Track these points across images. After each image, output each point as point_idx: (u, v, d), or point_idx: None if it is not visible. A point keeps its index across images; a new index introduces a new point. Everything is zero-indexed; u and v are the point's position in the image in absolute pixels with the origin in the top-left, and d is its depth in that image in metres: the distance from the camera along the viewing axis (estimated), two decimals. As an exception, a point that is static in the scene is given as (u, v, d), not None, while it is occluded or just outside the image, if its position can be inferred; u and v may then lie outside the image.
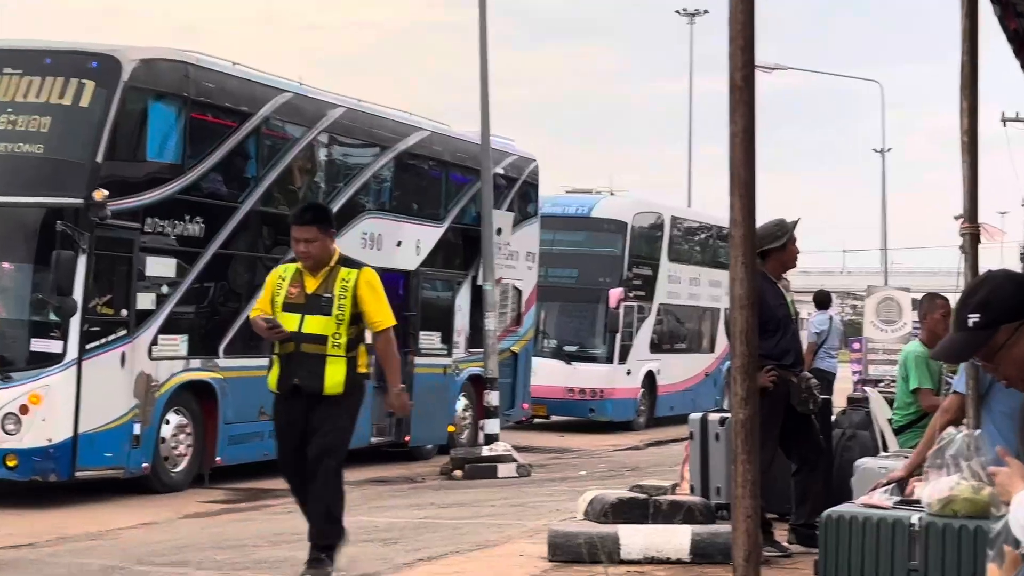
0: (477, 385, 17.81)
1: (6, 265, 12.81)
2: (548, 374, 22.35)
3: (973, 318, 3.31)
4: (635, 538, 8.29)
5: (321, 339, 7.49)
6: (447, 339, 17.97)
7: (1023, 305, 3.29)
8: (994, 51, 8.06)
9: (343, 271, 7.63)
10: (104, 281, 12.52)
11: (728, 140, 3.84)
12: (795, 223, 8.52)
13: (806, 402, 8.48)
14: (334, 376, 7.52)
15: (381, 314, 7.69)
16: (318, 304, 7.54)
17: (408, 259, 17.24)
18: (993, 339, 3.29)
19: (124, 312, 12.70)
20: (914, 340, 10.29)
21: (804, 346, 11.70)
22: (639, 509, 8.70)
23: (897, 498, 5.52)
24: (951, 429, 5.32)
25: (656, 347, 25.46)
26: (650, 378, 25.08)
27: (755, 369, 4.01)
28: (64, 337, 12.14)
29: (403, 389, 8.05)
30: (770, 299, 8.11)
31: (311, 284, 7.60)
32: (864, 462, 7.83)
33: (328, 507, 7.65)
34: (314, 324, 7.51)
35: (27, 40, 13.57)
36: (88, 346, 12.22)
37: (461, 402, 18.21)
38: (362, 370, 7.72)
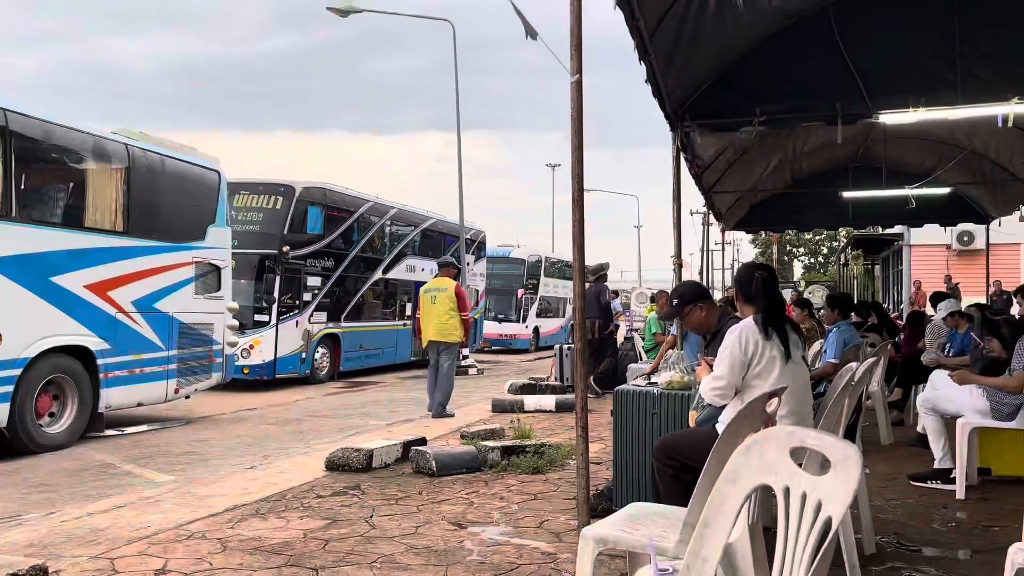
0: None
1: (243, 281, 20.09)
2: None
3: (674, 300, 6.67)
4: (530, 400, 13.84)
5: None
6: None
7: (695, 296, 6.70)
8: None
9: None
10: (286, 288, 20.96)
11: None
12: None
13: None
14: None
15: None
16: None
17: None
18: (682, 310, 6.61)
19: (296, 302, 21.16)
20: (653, 311, 16.28)
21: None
22: (532, 388, 15.17)
23: (646, 382, 7.94)
24: (672, 351, 8.50)
25: None
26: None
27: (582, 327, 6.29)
28: (269, 313, 20.63)
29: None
30: None
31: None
32: (632, 366, 12.43)
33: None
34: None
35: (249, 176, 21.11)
36: (280, 318, 20.81)
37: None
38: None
